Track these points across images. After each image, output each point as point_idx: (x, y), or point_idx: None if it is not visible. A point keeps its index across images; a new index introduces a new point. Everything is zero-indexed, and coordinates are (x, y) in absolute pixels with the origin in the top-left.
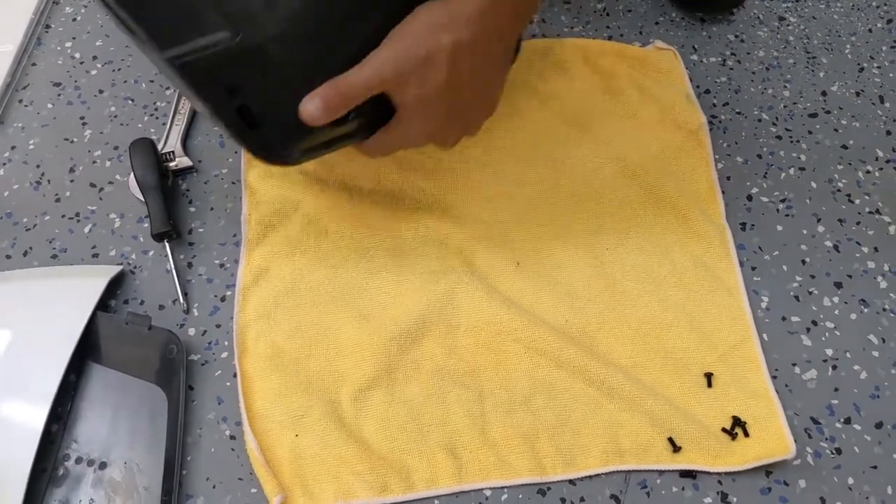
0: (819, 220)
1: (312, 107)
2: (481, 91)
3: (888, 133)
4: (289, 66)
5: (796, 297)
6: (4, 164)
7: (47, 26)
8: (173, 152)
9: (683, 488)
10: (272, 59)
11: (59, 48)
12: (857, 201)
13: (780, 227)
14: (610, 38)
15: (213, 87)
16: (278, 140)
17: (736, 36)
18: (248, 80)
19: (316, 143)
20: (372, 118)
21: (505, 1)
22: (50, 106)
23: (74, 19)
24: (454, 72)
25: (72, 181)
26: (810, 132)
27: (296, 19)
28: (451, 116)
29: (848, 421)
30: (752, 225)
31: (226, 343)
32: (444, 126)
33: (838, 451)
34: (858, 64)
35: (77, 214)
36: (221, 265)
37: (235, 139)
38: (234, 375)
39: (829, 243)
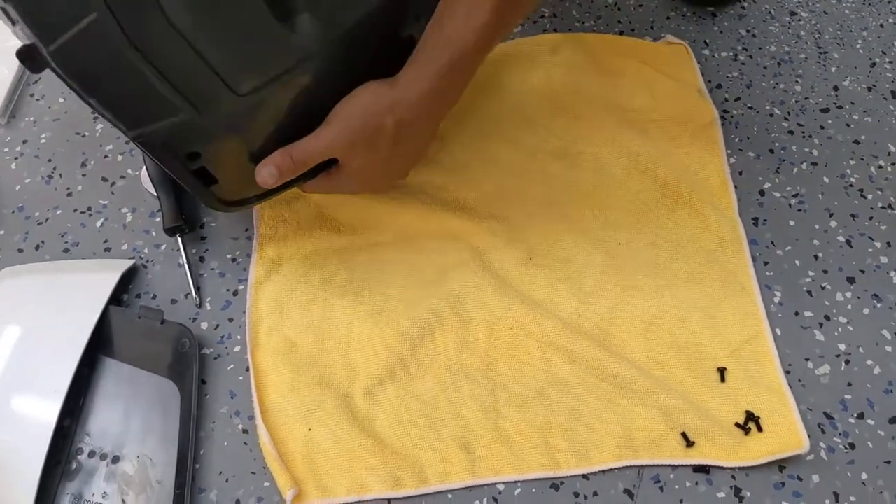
0: (832, 215)
1: (266, 172)
2: (415, 153)
3: None
4: (244, 134)
5: (809, 292)
6: (16, 158)
7: None
8: None
9: (697, 483)
10: (229, 129)
11: None
12: (870, 196)
13: (792, 222)
14: (621, 32)
15: (174, 156)
16: (233, 192)
17: (747, 30)
18: (206, 147)
19: (265, 192)
20: (316, 169)
21: (440, 90)
22: (62, 100)
23: None
24: (395, 146)
25: (84, 175)
26: (822, 127)
27: (255, 99)
28: (386, 174)
29: (861, 416)
30: (765, 220)
31: (238, 337)
32: (379, 181)
33: (851, 445)
34: (870, 59)
35: (89, 208)
36: (234, 259)
37: (193, 194)
38: (247, 369)
39: (841, 238)
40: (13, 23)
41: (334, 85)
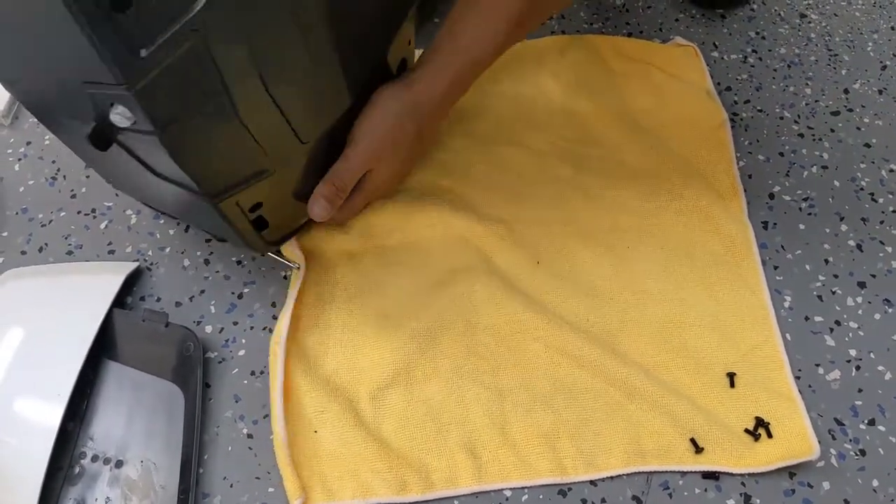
0: (842, 219)
1: (318, 207)
2: (423, 153)
3: None
4: (298, 176)
5: (819, 297)
6: (20, 159)
7: None
8: None
9: (706, 490)
10: (287, 174)
11: None
12: (881, 200)
13: (802, 226)
14: (629, 34)
15: (241, 211)
16: (278, 232)
17: (757, 33)
18: (267, 195)
19: (300, 226)
20: None
21: (453, 93)
22: None
23: None
24: (412, 147)
25: (87, 177)
26: (832, 130)
27: (312, 144)
28: (400, 176)
29: (872, 422)
30: (775, 223)
31: (243, 341)
32: (394, 184)
33: (862, 452)
34: (881, 62)
35: (93, 210)
36: (238, 262)
37: (240, 242)
38: (252, 373)
39: (852, 242)
40: (111, 104)
41: (360, 106)
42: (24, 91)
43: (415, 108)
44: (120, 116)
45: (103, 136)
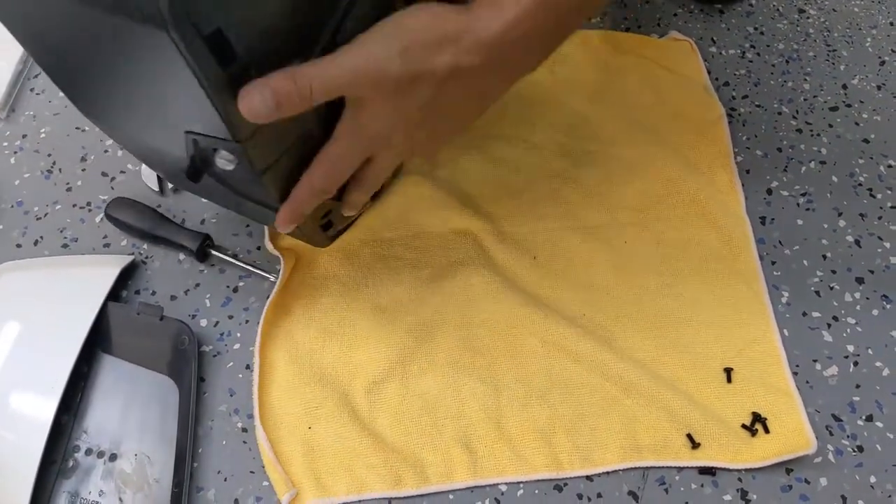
0: (840, 215)
1: (259, 99)
2: (459, 121)
3: None
4: None
5: (817, 293)
6: (16, 152)
7: None
8: None
9: (703, 485)
10: None
11: None
12: (879, 196)
13: (800, 222)
14: (627, 29)
15: (315, 219)
16: (334, 231)
17: (755, 28)
18: (336, 204)
19: (350, 223)
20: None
21: (528, 32)
22: (62, 95)
23: None
24: (436, 98)
25: (83, 170)
26: (831, 126)
27: None
28: (406, 141)
29: (870, 418)
30: (772, 219)
31: (238, 335)
32: (394, 151)
33: (860, 448)
34: (879, 57)
35: (88, 204)
36: (234, 255)
37: (298, 235)
38: (247, 367)
39: (850, 238)
40: (214, 149)
41: None
42: (110, 119)
43: (460, 36)
44: (224, 160)
45: (199, 172)
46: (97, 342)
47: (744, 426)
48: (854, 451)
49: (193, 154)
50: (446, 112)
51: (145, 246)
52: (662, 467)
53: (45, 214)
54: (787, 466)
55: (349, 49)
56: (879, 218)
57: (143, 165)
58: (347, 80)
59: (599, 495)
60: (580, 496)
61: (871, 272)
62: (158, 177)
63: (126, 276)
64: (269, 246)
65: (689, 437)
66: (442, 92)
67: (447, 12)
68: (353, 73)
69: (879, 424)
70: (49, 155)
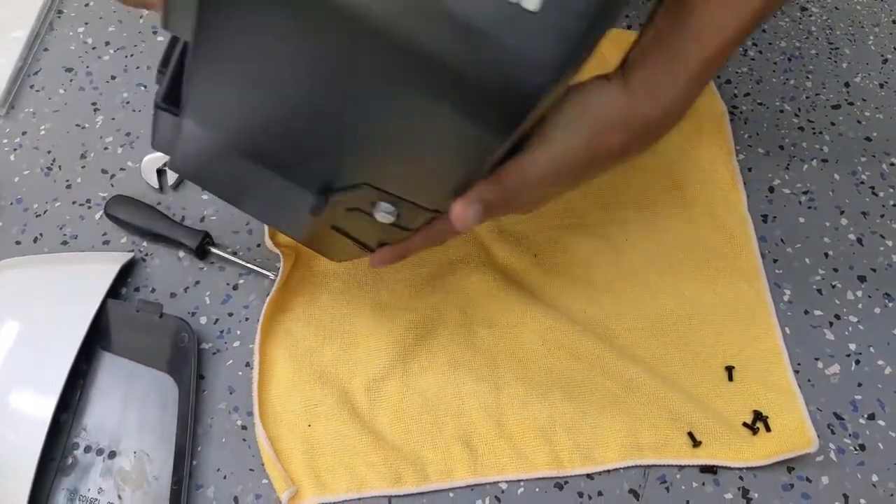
0: (842, 213)
1: (472, 211)
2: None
3: None
4: None
5: (819, 291)
6: (15, 149)
7: (59, 11)
8: None
9: (704, 483)
10: None
11: (71, 33)
12: (882, 194)
13: (802, 220)
14: (628, 27)
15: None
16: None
17: None
18: None
19: None
20: None
21: (685, 104)
22: (62, 91)
23: (87, 4)
24: (595, 174)
25: (83, 167)
26: (833, 124)
27: None
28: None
29: (872, 417)
30: (774, 217)
31: (238, 332)
32: (534, 207)
33: (862, 447)
34: (882, 55)
35: (88, 201)
36: (234, 253)
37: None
38: (247, 364)
39: (852, 236)
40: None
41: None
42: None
43: (629, 120)
44: (384, 214)
45: (321, 209)
46: (97, 339)
47: (745, 424)
48: (856, 450)
49: (353, 206)
50: (586, 178)
51: (145, 243)
52: (663, 465)
53: (45, 211)
54: (788, 465)
55: (543, 146)
56: (882, 216)
57: (143, 163)
58: (552, 180)
59: (600, 493)
60: (581, 494)
61: (874, 270)
62: (158, 174)
63: (126, 274)
64: (268, 244)
65: (691, 435)
66: (604, 169)
67: (613, 94)
68: (551, 168)
69: (881, 423)
70: (49, 152)
